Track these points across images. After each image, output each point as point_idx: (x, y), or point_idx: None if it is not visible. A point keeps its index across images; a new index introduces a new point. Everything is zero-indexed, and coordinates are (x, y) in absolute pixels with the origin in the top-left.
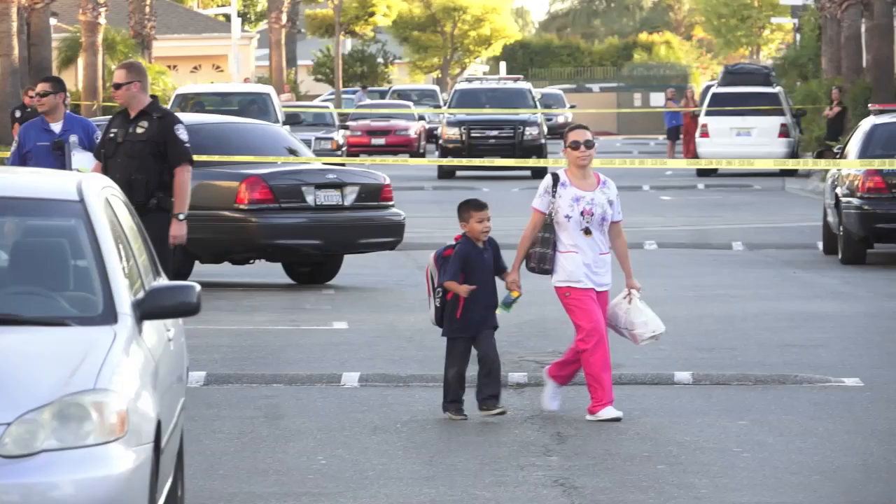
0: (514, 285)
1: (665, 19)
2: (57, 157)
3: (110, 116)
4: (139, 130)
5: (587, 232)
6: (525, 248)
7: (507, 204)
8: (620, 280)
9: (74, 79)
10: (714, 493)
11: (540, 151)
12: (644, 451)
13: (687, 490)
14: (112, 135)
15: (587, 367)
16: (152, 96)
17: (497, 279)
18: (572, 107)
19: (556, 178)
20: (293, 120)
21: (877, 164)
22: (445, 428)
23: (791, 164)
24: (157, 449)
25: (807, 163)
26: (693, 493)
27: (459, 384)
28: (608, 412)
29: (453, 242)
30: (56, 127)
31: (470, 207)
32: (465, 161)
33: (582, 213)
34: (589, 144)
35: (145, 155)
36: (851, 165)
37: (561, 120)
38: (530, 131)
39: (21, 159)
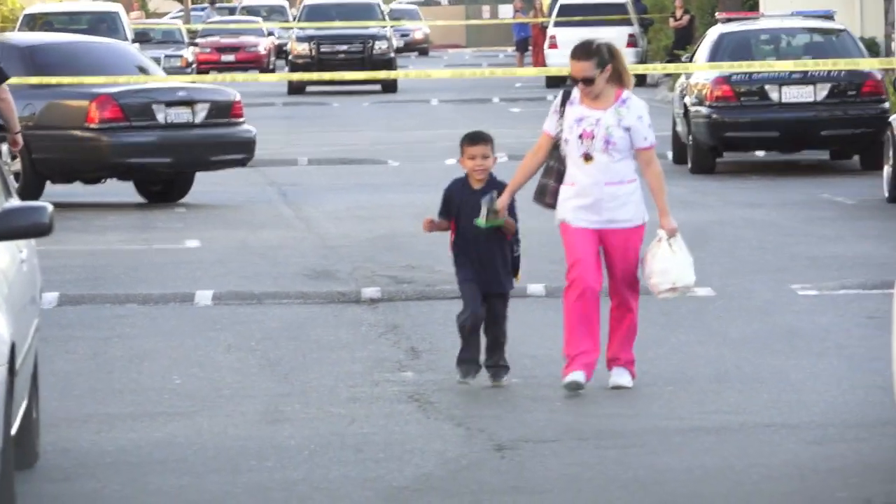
0: (499, 210)
1: None
2: None
3: None
4: None
5: (587, 158)
6: (522, 172)
7: (358, 119)
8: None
9: None
10: (568, 407)
11: (390, 65)
12: None
13: (542, 403)
14: None
15: (564, 313)
16: None
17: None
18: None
19: (566, 95)
20: (142, 38)
21: (725, 66)
22: (300, 345)
23: (640, 69)
24: (12, 371)
25: (656, 67)
26: (548, 405)
27: (473, 335)
28: (570, 376)
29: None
30: None
31: (463, 141)
32: (314, 76)
33: (581, 136)
34: (588, 81)
35: None
36: (700, 69)
37: (419, 36)
38: (380, 45)
39: None
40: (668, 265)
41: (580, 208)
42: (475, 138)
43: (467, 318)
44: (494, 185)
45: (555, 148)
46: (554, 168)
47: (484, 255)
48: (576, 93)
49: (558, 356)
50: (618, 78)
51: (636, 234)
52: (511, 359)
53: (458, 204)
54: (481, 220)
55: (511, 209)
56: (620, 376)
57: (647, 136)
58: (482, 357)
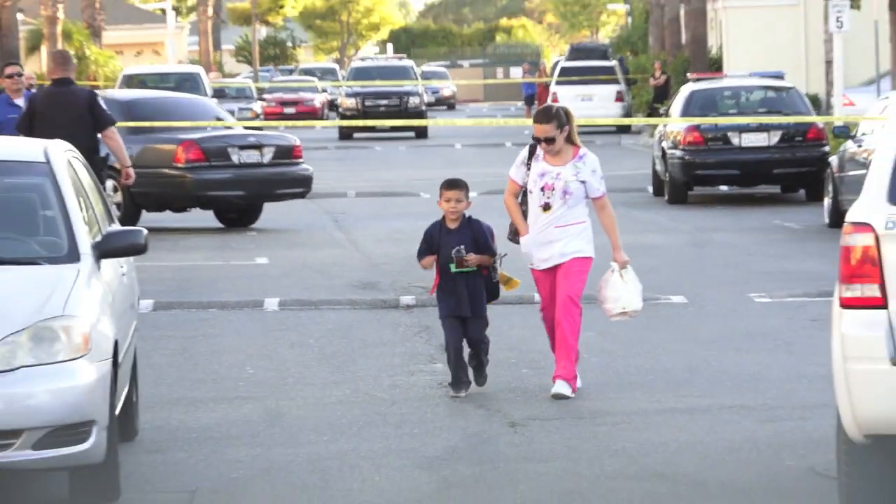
0: (468, 261)
1: (521, 7)
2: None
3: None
4: None
5: (546, 208)
6: (515, 211)
7: (396, 160)
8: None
9: (39, 64)
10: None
11: (421, 116)
12: (511, 357)
13: (547, 389)
14: None
15: (546, 333)
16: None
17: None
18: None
19: (532, 149)
20: (219, 94)
21: (696, 119)
22: (349, 343)
23: (626, 120)
24: (116, 363)
25: (639, 119)
26: (551, 390)
27: (459, 362)
28: (556, 386)
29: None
30: (20, 102)
31: (442, 186)
32: (360, 124)
33: (543, 189)
34: (550, 141)
35: None
36: (675, 121)
37: (447, 93)
38: (413, 100)
39: None
40: (619, 293)
41: (538, 249)
42: (451, 184)
43: (449, 351)
44: (468, 225)
45: (522, 194)
46: (525, 212)
47: (462, 284)
48: (540, 151)
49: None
50: (574, 139)
51: (582, 264)
52: (521, 353)
53: (438, 242)
54: (453, 266)
55: (488, 245)
56: (560, 387)
57: (599, 187)
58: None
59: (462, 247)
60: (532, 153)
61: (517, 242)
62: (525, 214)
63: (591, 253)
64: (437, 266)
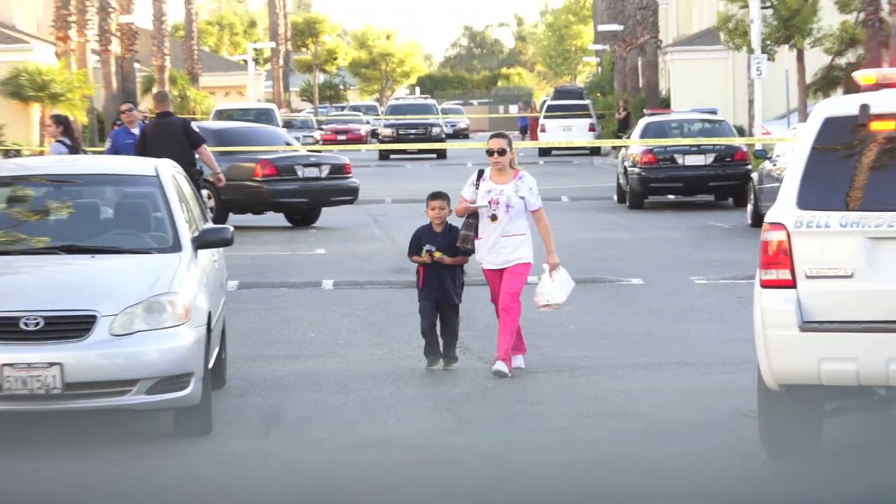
0: (436, 256)
1: (517, 58)
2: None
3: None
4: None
5: (493, 218)
6: (463, 207)
7: (422, 175)
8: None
9: (151, 101)
10: (554, 350)
11: (441, 142)
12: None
13: (535, 349)
14: None
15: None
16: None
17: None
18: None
19: (480, 173)
20: (288, 125)
21: (650, 142)
22: (387, 314)
23: (597, 143)
24: (209, 329)
25: (606, 143)
26: (539, 350)
27: (432, 335)
28: (496, 366)
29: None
30: (135, 131)
31: (428, 197)
32: (395, 147)
33: (489, 203)
34: (501, 152)
35: None
36: (634, 143)
37: (462, 125)
38: (435, 130)
39: (115, 153)
40: (546, 289)
41: (488, 254)
42: (435, 196)
43: (424, 326)
44: (449, 230)
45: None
46: (473, 224)
47: (441, 276)
48: (486, 173)
49: (545, 320)
50: (513, 163)
51: (522, 268)
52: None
53: (426, 241)
54: (424, 257)
55: (455, 244)
56: (499, 366)
57: (536, 202)
58: (441, 349)
59: (433, 247)
60: (480, 176)
61: (466, 250)
62: (476, 227)
63: (529, 259)
64: (426, 259)
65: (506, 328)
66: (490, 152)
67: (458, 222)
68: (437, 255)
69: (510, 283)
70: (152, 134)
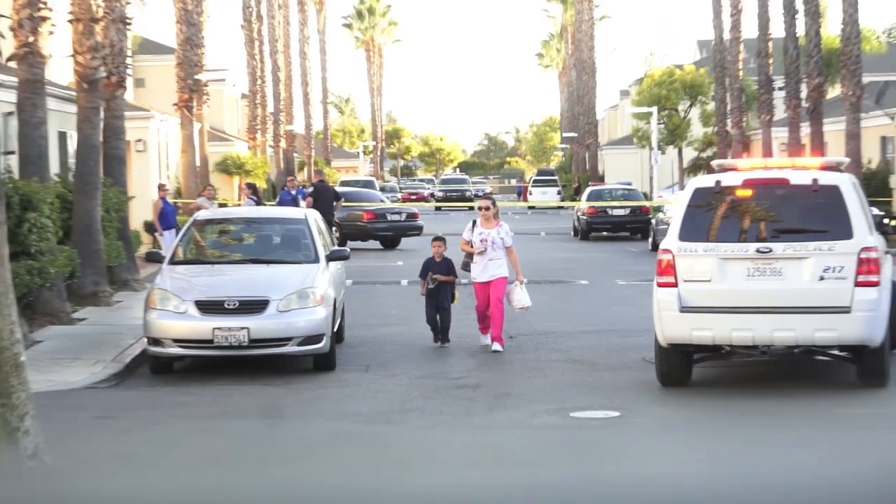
0: (437, 280)
1: (516, 152)
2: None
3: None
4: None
5: (483, 251)
6: (465, 250)
7: (459, 219)
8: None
9: (302, 175)
10: (536, 321)
11: (471, 200)
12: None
13: (525, 322)
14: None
15: (477, 318)
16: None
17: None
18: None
19: (474, 222)
20: (382, 189)
21: (593, 202)
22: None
23: (561, 203)
24: (335, 309)
25: (566, 203)
26: (527, 322)
27: (434, 326)
28: (494, 345)
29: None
30: (293, 192)
31: (432, 239)
32: (444, 203)
33: (481, 241)
34: (487, 209)
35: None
36: (583, 203)
37: (487, 189)
38: (468, 193)
39: (281, 205)
40: (519, 297)
41: (481, 273)
42: (436, 239)
43: (428, 319)
44: (445, 261)
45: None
46: (471, 257)
47: (438, 291)
48: (478, 221)
49: (531, 310)
50: (496, 215)
51: (502, 280)
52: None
53: (430, 268)
54: (432, 284)
55: (452, 270)
56: (496, 346)
57: (509, 241)
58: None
59: (436, 276)
60: (474, 224)
61: (468, 270)
62: (472, 257)
63: (506, 274)
64: (426, 281)
65: (496, 320)
66: (479, 208)
67: (451, 253)
68: (440, 277)
69: (497, 290)
70: (318, 192)
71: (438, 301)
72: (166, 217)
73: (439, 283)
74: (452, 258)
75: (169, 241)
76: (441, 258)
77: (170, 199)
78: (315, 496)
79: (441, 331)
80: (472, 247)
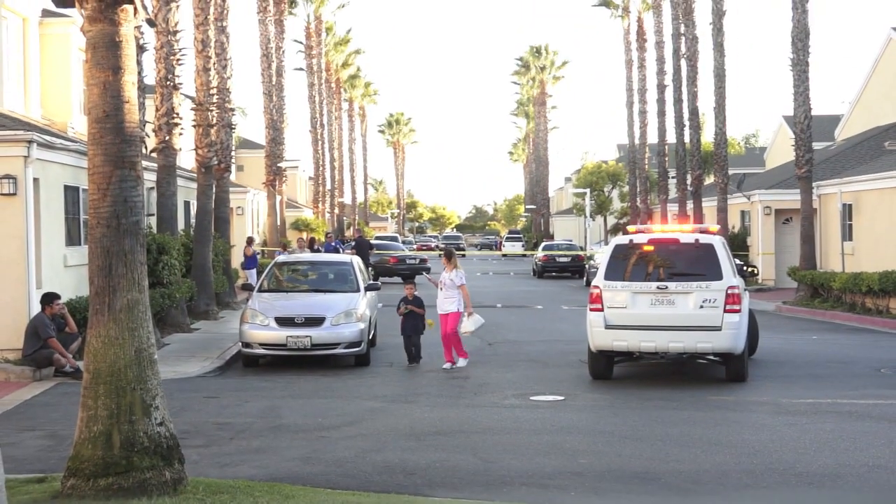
0: (411, 310)
1: (494, 217)
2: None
3: (355, 241)
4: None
5: (442, 288)
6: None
7: (462, 262)
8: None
9: (350, 231)
10: (504, 335)
11: (462, 249)
12: (471, 340)
13: (500, 335)
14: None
15: (443, 343)
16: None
17: (422, 315)
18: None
19: (438, 274)
20: (403, 241)
21: (545, 250)
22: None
23: (525, 252)
24: (370, 324)
25: (529, 253)
26: (503, 336)
27: (409, 350)
28: (459, 362)
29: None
30: (334, 244)
31: (405, 281)
32: (446, 252)
33: (441, 281)
34: (448, 258)
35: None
36: (539, 253)
37: (486, 242)
38: (461, 244)
39: (327, 251)
40: (464, 325)
41: (439, 307)
42: (407, 281)
43: (404, 345)
44: (416, 298)
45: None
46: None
47: (411, 320)
48: (443, 270)
49: (503, 328)
50: (455, 263)
51: (456, 315)
52: (475, 341)
53: (404, 302)
54: (405, 310)
55: (420, 304)
56: (460, 361)
57: (461, 281)
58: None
59: (407, 305)
60: (444, 269)
61: (398, 311)
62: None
63: (455, 310)
64: (401, 308)
65: (456, 346)
66: (442, 257)
67: (423, 292)
68: (413, 308)
69: (450, 323)
70: (358, 245)
71: (411, 329)
72: (252, 260)
73: (409, 314)
74: (423, 297)
75: (252, 277)
76: (413, 296)
77: (256, 248)
78: (355, 448)
79: (414, 354)
80: (436, 283)
